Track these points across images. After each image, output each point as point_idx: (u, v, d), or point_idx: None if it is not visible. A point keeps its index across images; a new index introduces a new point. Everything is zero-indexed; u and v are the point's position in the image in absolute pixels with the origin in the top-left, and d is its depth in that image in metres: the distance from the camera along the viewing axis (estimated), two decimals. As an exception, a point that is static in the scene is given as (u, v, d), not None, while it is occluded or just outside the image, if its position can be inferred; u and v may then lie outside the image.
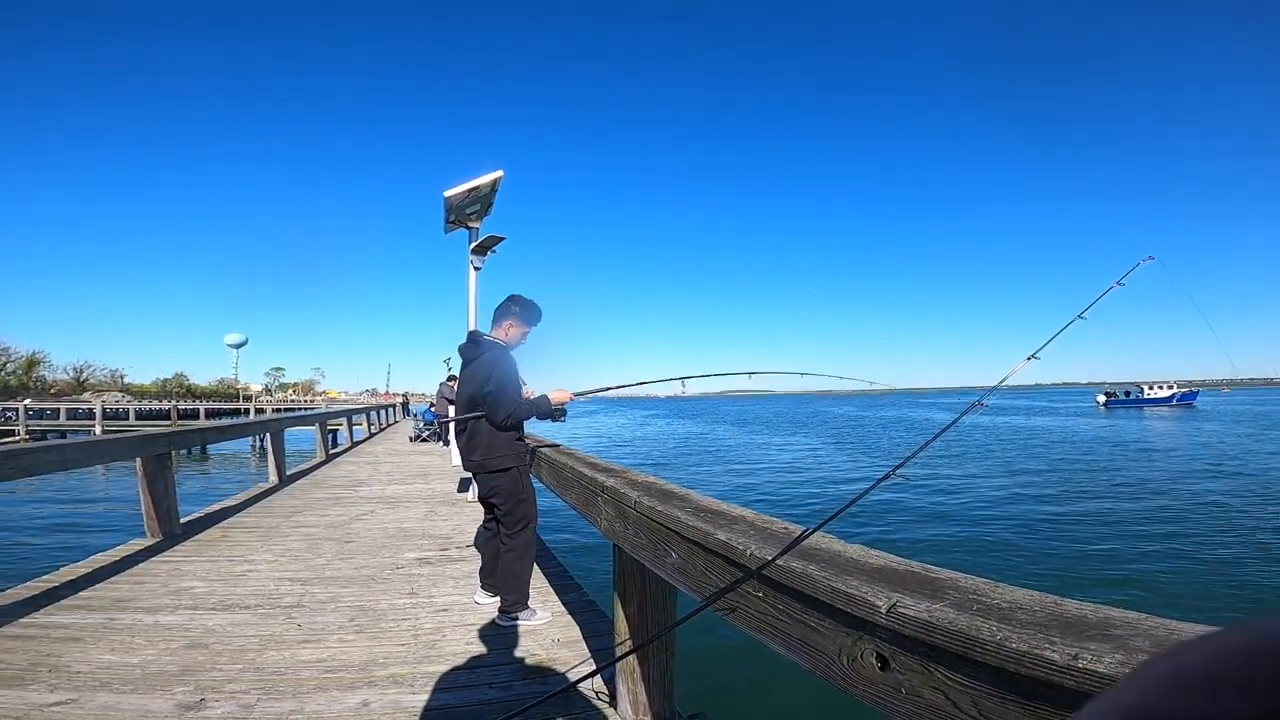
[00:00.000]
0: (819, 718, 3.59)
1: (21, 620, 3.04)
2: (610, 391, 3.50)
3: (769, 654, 1.16)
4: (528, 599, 3.16)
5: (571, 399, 3.35)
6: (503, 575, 3.15)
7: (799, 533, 1.17)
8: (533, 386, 3.36)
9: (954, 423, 1.61)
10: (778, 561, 1.05)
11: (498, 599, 3.21)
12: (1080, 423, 34.45)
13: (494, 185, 6.14)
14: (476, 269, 6.46)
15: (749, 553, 1.14)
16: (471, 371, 3.18)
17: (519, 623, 3.10)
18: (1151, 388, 58.25)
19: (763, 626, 1.13)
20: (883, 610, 0.81)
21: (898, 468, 1.47)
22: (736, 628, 1.24)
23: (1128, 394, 59.36)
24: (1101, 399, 59.08)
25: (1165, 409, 50.12)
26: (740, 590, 1.17)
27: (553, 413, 3.32)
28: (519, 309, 3.28)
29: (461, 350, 3.31)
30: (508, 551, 3.14)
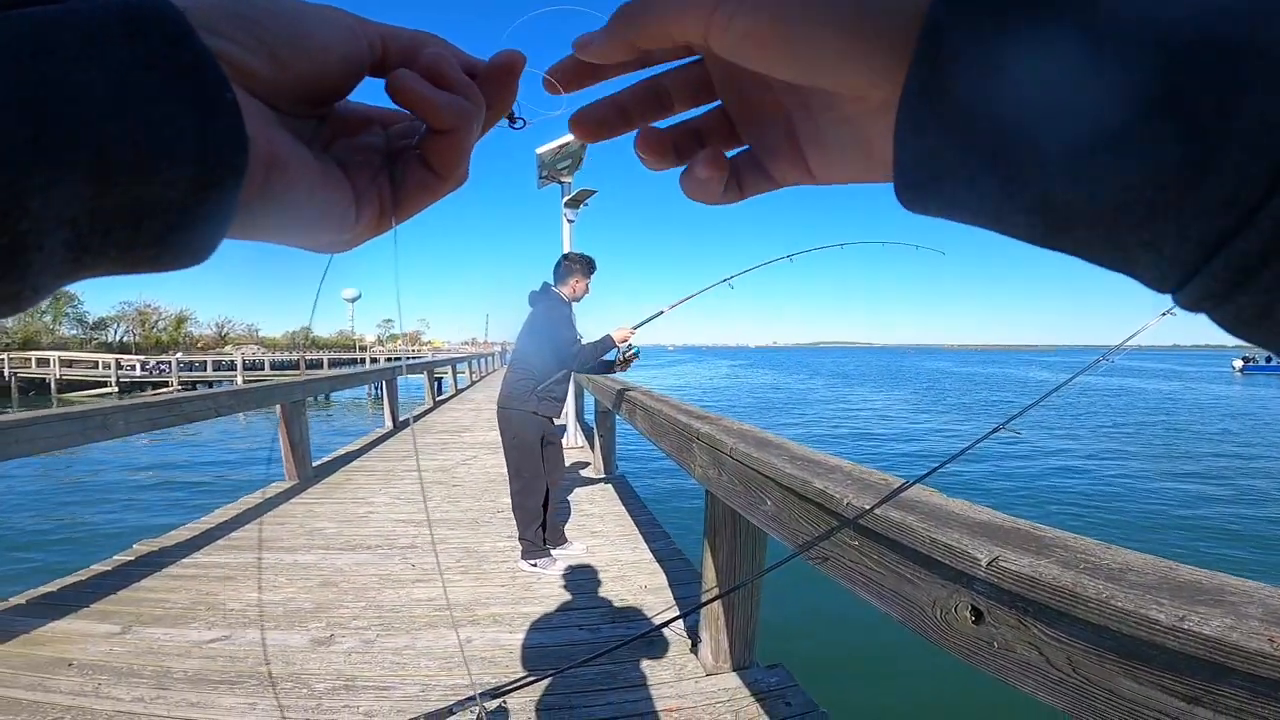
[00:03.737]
0: (900, 672, 3.59)
1: (184, 560, 3.46)
2: (663, 314, 3.53)
3: (852, 607, 1.18)
4: (539, 547, 3.37)
5: (633, 333, 3.42)
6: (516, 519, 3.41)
7: (898, 484, 1.17)
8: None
9: (1071, 380, 1.52)
10: (875, 511, 1.06)
11: (559, 550, 3.44)
12: (1207, 389, 30.93)
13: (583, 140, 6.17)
14: (570, 221, 6.59)
15: (846, 502, 1.15)
16: (532, 317, 3.41)
17: (538, 568, 3.33)
18: (1298, 352, 51.54)
19: (854, 576, 1.15)
20: (983, 563, 0.81)
21: (1007, 422, 1.42)
22: (827, 578, 1.26)
23: (1269, 360, 53.00)
24: (1238, 364, 53.24)
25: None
26: (834, 539, 1.19)
27: (622, 355, 3.45)
28: (573, 264, 3.43)
29: (531, 297, 3.50)
30: (512, 496, 3.39)
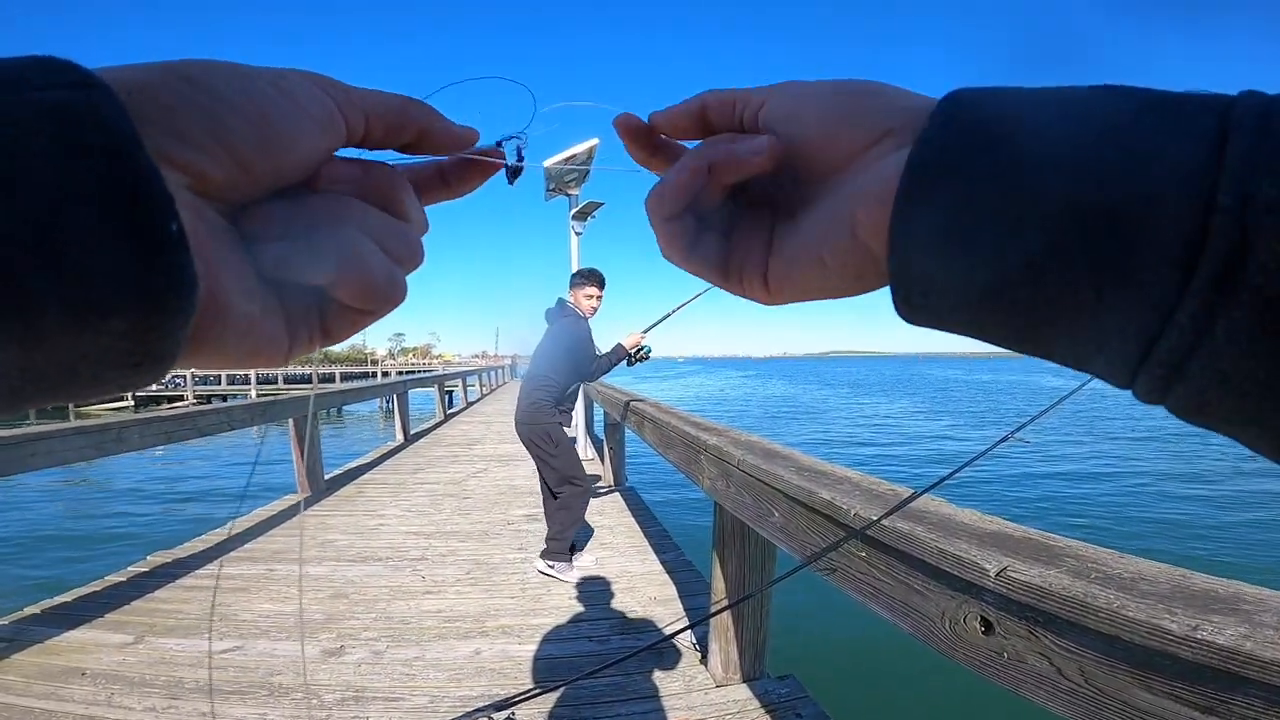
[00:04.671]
0: (910, 682, 3.54)
1: (198, 571, 3.48)
2: (670, 316, 3.61)
3: (862, 619, 1.17)
4: (564, 553, 3.39)
5: (643, 337, 3.53)
6: (549, 523, 3.42)
7: (907, 494, 1.16)
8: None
9: (1081, 388, 1.51)
10: (883, 522, 1.05)
11: (557, 564, 3.42)
12: None
13: (590, 153, 6.21)
14: (578, 234, 6.62)
15: (854, 513, 1.15)
16: (552, 332, 3.47)
17: (554, 574, 3.34)
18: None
19: (863, 587, 1.14)
20: (992, 574, 0.80)
21: (1016, 430, 1.41)
22: (836, 588, 1.25)
23: None
24: None
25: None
26: (842, 550, 1.19)
27: (631, 355, 3.53)
28: (582, 280, 3.51)
29: (548, 314, 3.58)
30: (562, 500, 3.42)
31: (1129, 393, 0.18)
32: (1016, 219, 0.17)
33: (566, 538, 3.38)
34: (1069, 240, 0.16)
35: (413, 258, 0.25)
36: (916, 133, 0.19)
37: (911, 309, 0.20)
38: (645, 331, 3.55)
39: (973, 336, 0.20)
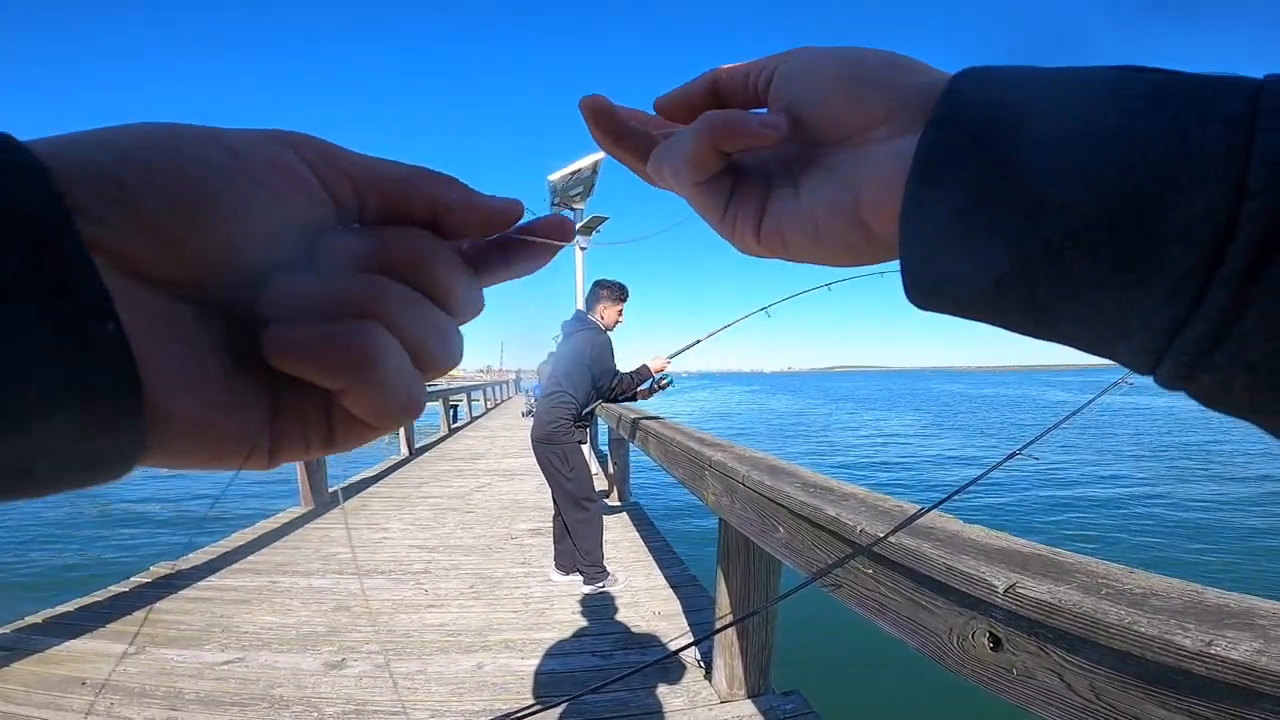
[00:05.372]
0: (918, 698, 3.49)
1: (200, 584, 3.47)
2: (700, 343, 3.55)
3: (869, 634, 1.16)
4: (603, 570, 3.37)
5: (669, 364, 3.46)
6: (577, 550, 3.37)
7: (913, 511, 1.16)
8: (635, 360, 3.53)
9: (1091, 402, 1.51)
10: (890, 539, 1.04)
11: (569, 577, 3.44)
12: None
13: (595, 167, 6.26)
14: (582, 249, 6.65)
15: (859, 529, 1.14)
16: (570, 345, 3.37)
17: (604, 588, 3.32)
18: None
19: (869, 604, 1.13)
20: (1000, 590, 0.79)
21: (1024, 447, 1.41)
22: (842, 604, 1.24)
23: None
24: None
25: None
26: (848, 567, 1.18)
27: (654, 381, 3.47)
28: (606, 291, 3.42)
29: (564, 326, 3.51)
30: (574, 525, 3.36)
31: (1136, 377, 0.18)
32: (1033, 207, 0.17)
33: (598, 556, 3.36)
34: (1091, 228, 0.16)
35: (446, 356, 0.22)
36: (925, 116, 0.19)
37: (923, 296, 0.20)
38: (671, 357, 3.48)
39: (988, 323, 0.20)
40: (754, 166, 0.26)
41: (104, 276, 0.15)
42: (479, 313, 0.23)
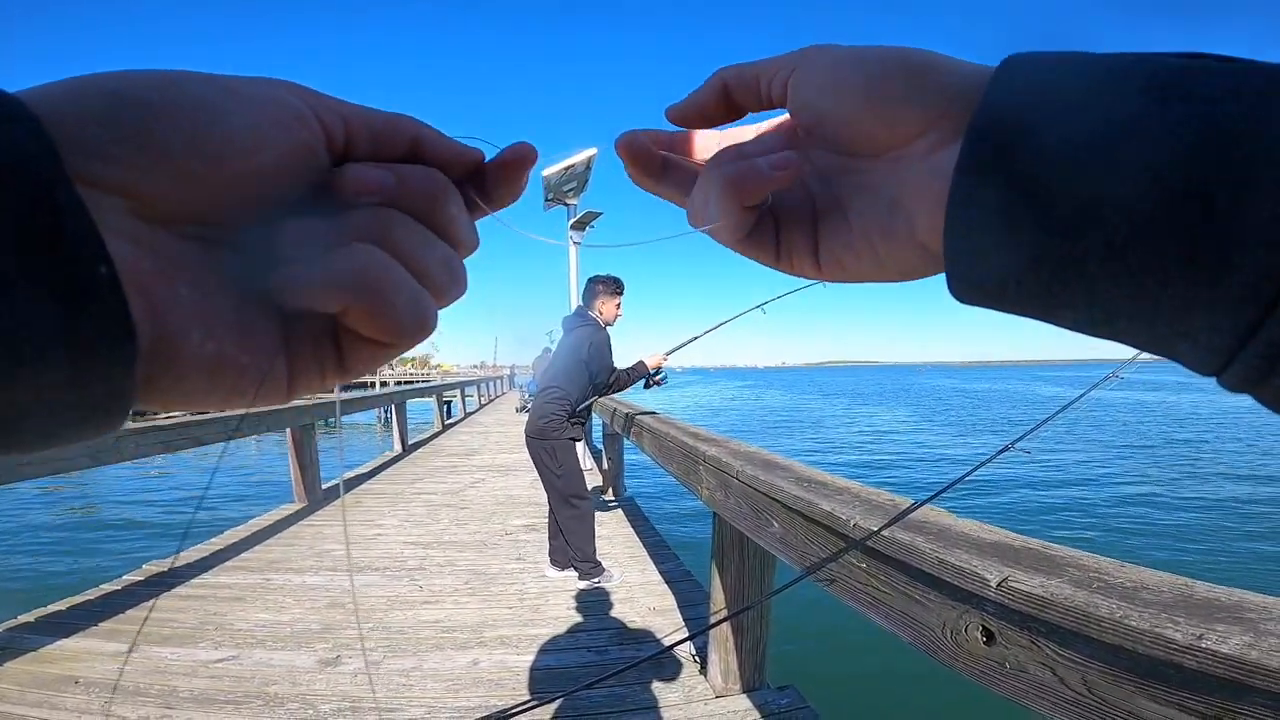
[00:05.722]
0: (911, 692, 3.52)
1: (193, 581, 3.46)
2: (696, 339, 3.54)
3: (863, 628, 1.17)
4: (597, 565, 3.38)
5: (665, 360, 3.45)
6: (569, 546, 3.38)
7: (906, 505, 1.16)
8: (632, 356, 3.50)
9: (1082, 396, 1.52)
10: (883, 533, 1.05)
11: (564, 573, 3.44)
12: (1215, 400, 30.52)
13: (589, 162, 6.24)
14: (576, 244, 6.64)
15: (853, 523, 1.15)
16: (569, 341, 3.36)
17: (599, 584, 3.33)
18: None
19: (863, 598, 1.14)
20: (993, 584, 0.80)
21: (1016, 441, 1.41)
22: (836, 599, 1.25)
23: None
24: None
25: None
26: (842, 561, 1.18)
27: (650, 377, 3.47)
28: (602, 286, 3.41)
29: (564, 321, 3.49)
30: (564, 522, 3.37)
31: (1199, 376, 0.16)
32: (1090, 202, 0.16)
33: (590, 551, 3.37)
34: (1155, 226, 0.15)
35: (453, 283, 0.22)
36: (965, 122, 0.18)
37: (968, 295, 0.19)
38: (668, 354, 3.47)
39: (1034, 318, 0.19)
40: (791, 194, 0.25)
41: (111, 217, 0.15)
42: (476, 249, 0.24)
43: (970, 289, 0.19)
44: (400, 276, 0.20)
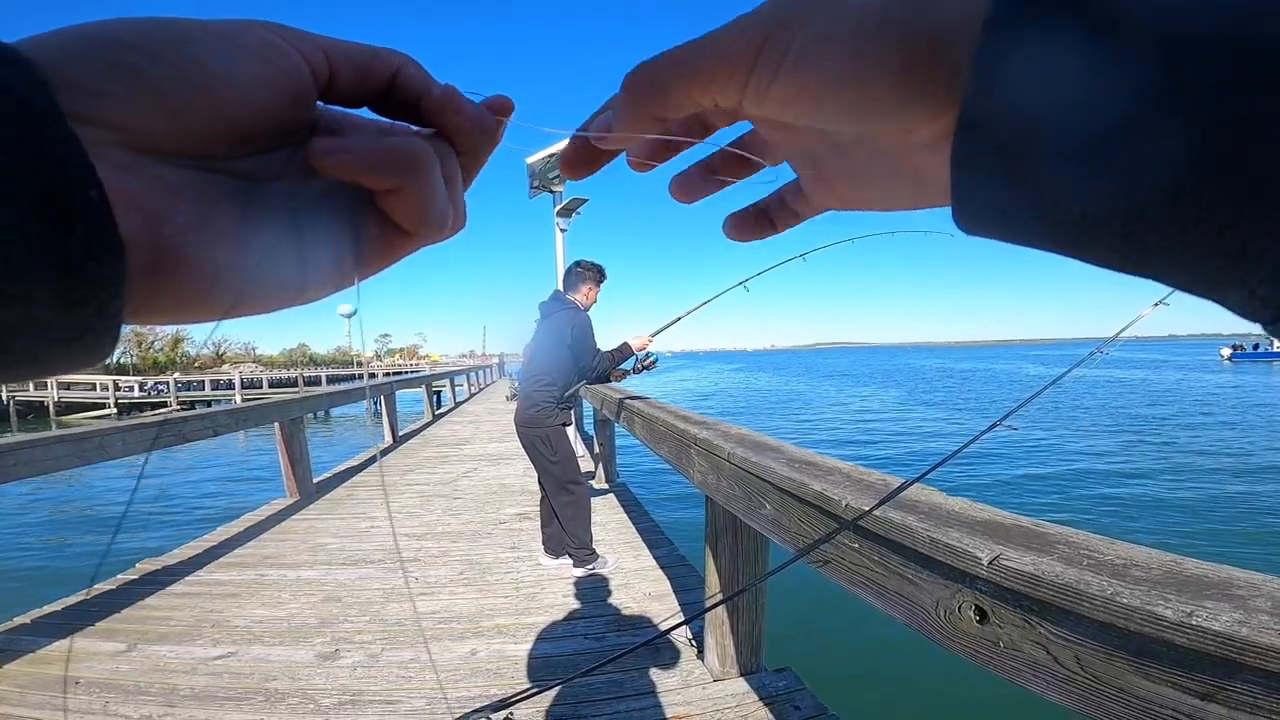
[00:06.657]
0: (908, 673, 3.57)
1: (188, 578, 3.45)
2: (680, 320, 3.48)
3: (859, 610, 1.18)
4: (592, 552, 3.39)
5: (650, 341, 3.41)
6: (565, 534, 3.38)
7: (897, 484, 1.17)
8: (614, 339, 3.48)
9: (1066, 373, 1.52)
10: (875, 513, 1.05)
11: (559, 560, 3.45)
12: (1199, 378, 30.96)
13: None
14: (562, 230, 6.60)
15: (845, 504, 1.15)
16: (549, 326, 3.33)
17: (594, 571, 3.35)
18: (1282, 341, 52.54)
19: (856, 579, 1.14)
20: (984, 562, 0.81)
21: (1004, 418, 1.42)
22: (830, 580, 1.25)
23: (1256, 347, 54.23)
24: (1226, 352, 54.70)
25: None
26: (835, 542, 1.19)
27: (640, 361, 3.46)
28: (584, 271, 3.39)
29: (542, 307, 3.45)
30: (561, 509, 3.36)
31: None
32: (1148, 135, 0.13)
33: (587, 538, 3.38)
34: (1219, 155, 0.12)
35: (460, 212, 0.24)
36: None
37: (978, 230, 0.18)
38: (654, 335, 3.42)
39: (1052, 251, 0.17)
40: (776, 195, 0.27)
41: (106, 150, 0.16)
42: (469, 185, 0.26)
43: (981, 224, 0.18)
44: (439, 176, 0.22)
